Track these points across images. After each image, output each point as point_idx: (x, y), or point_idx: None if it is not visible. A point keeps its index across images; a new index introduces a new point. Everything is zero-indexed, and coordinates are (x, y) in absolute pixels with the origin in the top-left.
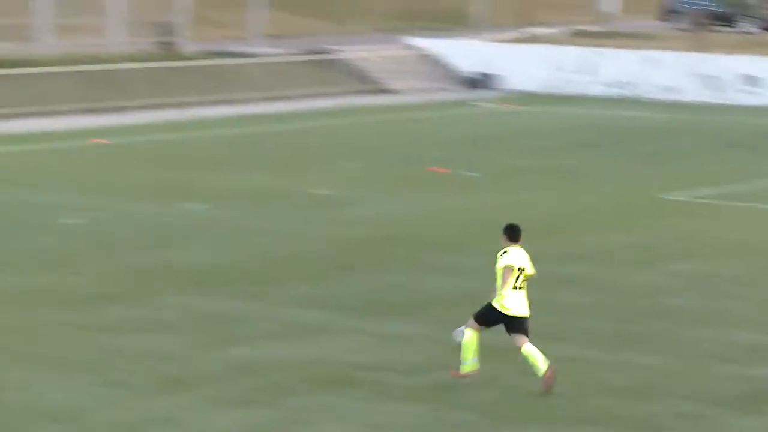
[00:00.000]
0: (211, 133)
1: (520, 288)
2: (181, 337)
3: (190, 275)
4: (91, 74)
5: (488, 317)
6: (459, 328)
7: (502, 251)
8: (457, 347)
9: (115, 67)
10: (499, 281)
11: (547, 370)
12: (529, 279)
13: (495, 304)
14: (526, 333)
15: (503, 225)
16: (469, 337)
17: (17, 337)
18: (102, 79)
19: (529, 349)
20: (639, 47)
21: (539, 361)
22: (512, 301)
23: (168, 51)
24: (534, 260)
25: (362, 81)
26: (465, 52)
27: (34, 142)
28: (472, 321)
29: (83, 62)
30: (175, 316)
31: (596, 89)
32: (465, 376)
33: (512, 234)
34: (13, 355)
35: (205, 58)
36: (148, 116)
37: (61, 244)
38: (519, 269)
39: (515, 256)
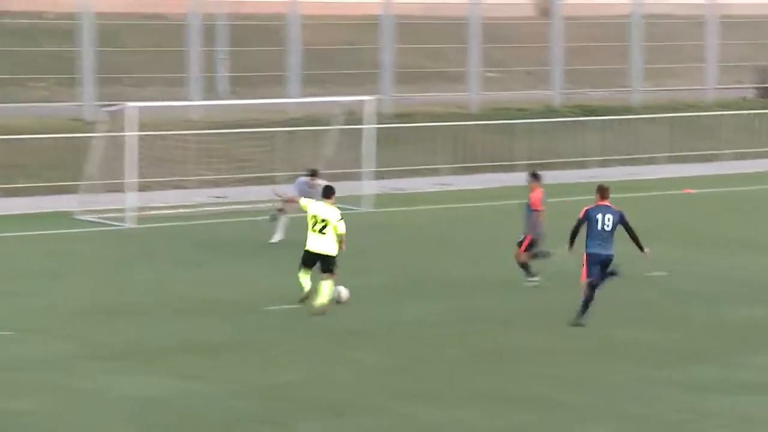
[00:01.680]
0: None
1: (322, 233)
2: None
3: None
4: (681, 121)
5: (303, 257)
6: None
7: (310, 201)
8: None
9: (707, 113)
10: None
11: (326, 305)
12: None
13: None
14: (325, 270)
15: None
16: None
17: (601, 392)
18: (693, 127)
19: (324, 283)
20: None
21: (326, 294)
22: (312, 242)
23: (764, 97)
24: None
25: None
26: None
27: (624, 191)
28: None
29: (675, 109)
30: (765, 377)
31: None
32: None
33: (325, 192)
34: (596, 409)
35: None
36: (739, 165)
37: (645, 298)
38: (314, 216)
39: (315, 206)
